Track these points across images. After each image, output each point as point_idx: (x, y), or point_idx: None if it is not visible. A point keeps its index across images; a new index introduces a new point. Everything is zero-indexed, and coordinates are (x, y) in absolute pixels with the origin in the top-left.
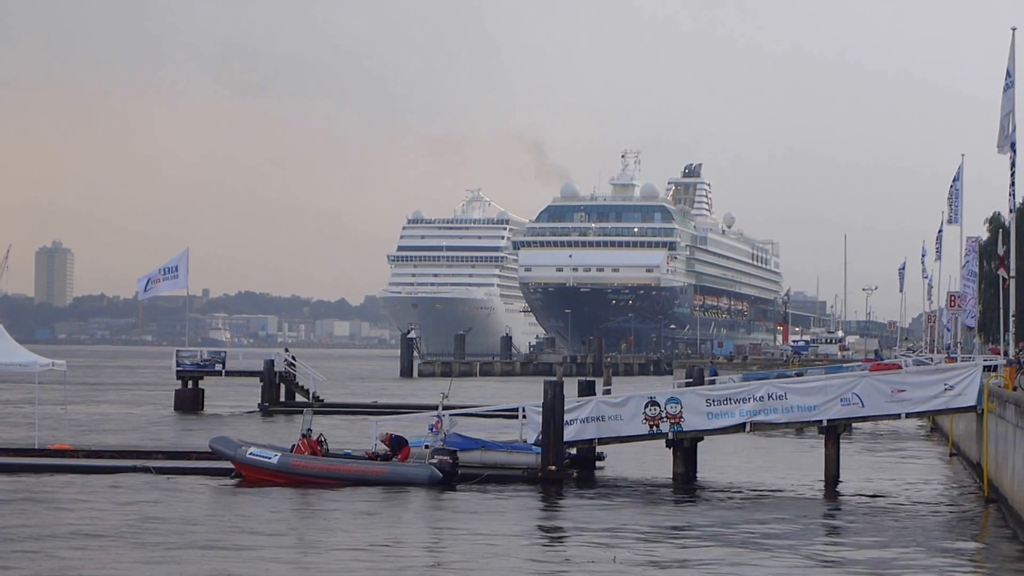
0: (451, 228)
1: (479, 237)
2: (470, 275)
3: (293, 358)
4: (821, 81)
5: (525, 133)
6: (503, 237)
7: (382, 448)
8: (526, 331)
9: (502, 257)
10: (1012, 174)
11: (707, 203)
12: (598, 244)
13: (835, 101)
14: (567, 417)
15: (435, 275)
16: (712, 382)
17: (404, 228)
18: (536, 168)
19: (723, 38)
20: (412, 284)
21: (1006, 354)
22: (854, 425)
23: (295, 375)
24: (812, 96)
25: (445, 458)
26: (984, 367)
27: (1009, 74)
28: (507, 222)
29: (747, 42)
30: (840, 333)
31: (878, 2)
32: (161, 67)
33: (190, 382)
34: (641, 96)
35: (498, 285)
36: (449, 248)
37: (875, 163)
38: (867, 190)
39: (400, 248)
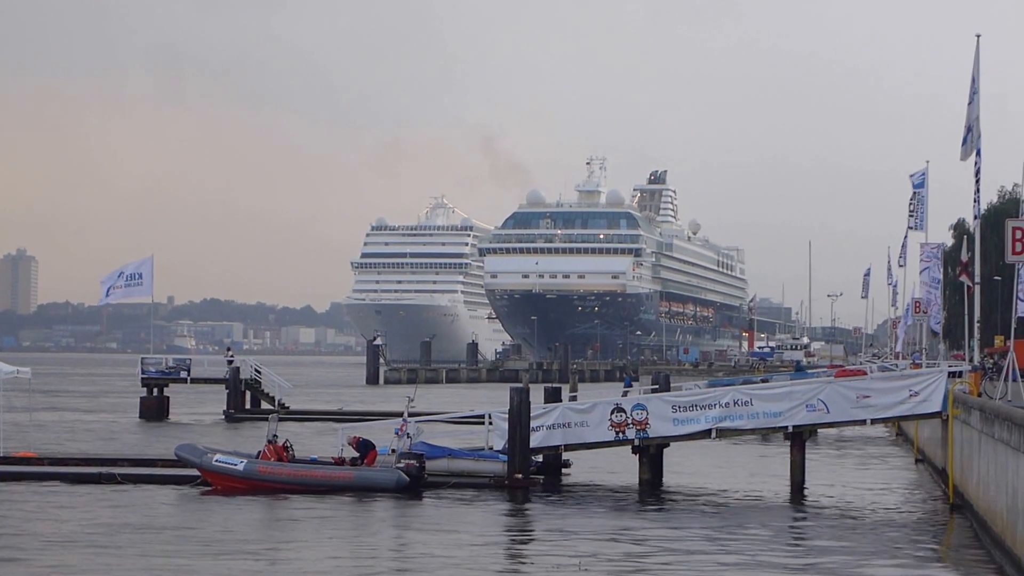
0: (415, 235)
1: (443, 244)
2: (434, 282)
3: (232, 357)
4: (786, 87)
5: (482, 134)
6: (467, 244)
7: (350, 452)
8: (491, 338)
9: (466, 264)
10: (977, 181)
11: (672, 210)
12: (564, 251)
13: (800, 107)
14: (533, 424)
15: (399, 282)
16: (625, 393)
17: (368, 235)
18: (494, 170)
19: (686, 44)
20: (376, 291)
21: (971, 360)
22: (820, 431)
23: (260, 382)
24: (777, 102)
25: (412, 462)
26: (949, 373)
27: (974, 81)
28: (471, 229)
29: (711, 48)
30: (805, 339)
31: (844, 8)
32: (119, 74)
33: (155, 389)
34: (605, 103)
35: (462, 292)
36: (413, 255)
37: (840, 168)
38: (832, 195)
39: (364, 255)
